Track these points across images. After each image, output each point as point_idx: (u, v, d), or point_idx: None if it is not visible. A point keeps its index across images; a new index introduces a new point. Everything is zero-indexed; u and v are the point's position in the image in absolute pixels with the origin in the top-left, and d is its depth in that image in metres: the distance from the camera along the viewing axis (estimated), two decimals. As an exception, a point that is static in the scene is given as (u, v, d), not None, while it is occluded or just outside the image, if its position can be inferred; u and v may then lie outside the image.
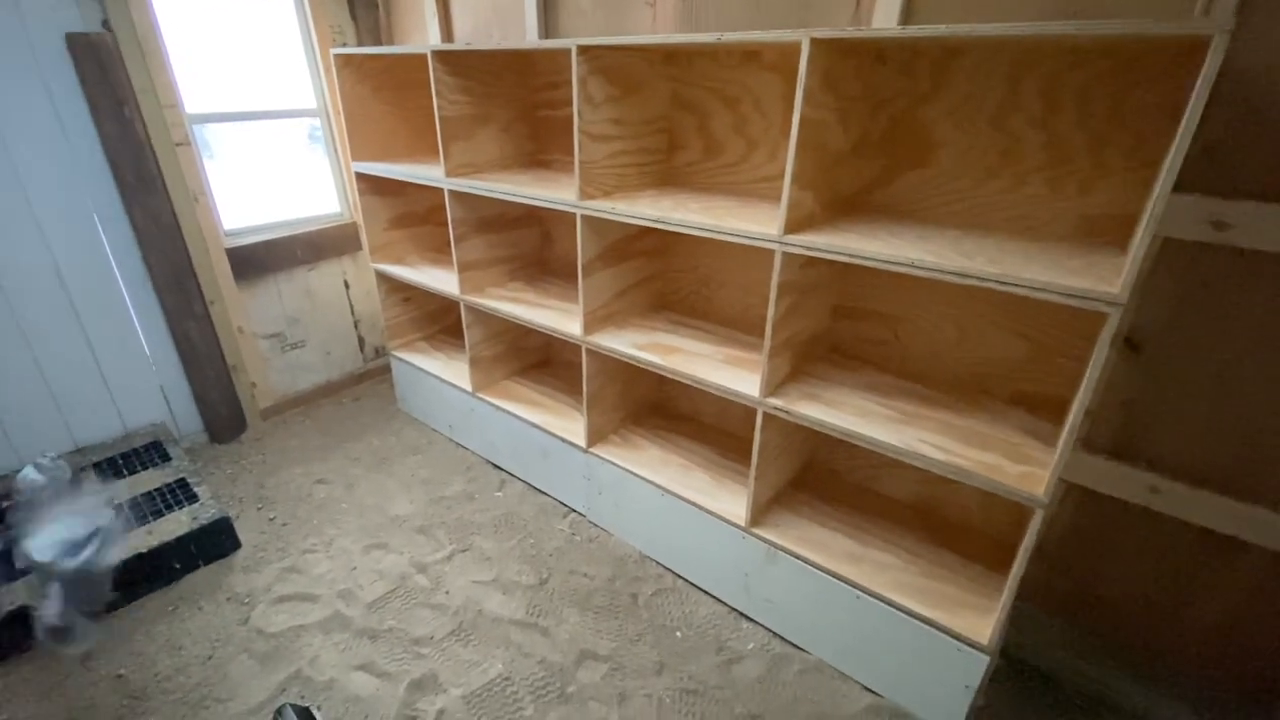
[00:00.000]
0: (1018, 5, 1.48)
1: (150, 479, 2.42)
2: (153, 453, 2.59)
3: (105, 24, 2.34)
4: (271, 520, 2.47)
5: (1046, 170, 1.53)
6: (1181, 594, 1.68)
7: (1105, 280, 1.21)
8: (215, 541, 2.24)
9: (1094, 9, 1.40)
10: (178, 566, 2.15)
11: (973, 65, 1.55)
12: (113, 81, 2.35)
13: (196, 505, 2.28)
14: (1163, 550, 1.68)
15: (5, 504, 2.23)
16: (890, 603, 1.67)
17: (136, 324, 2.66)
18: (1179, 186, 1.38)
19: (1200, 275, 1.45)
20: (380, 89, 2.77)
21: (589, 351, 2.16)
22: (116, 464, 2.51)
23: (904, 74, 1.65)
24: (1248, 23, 1.26)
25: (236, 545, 2.32)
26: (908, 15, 1.61)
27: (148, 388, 2.76)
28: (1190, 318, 1.48)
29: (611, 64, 1.85)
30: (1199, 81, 1.01)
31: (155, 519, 2.22)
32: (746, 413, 2.30)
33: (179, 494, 2.35)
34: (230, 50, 2.81)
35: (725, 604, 2.08)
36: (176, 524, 2.18)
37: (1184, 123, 1.04)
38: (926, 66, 1.62)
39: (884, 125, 1.73)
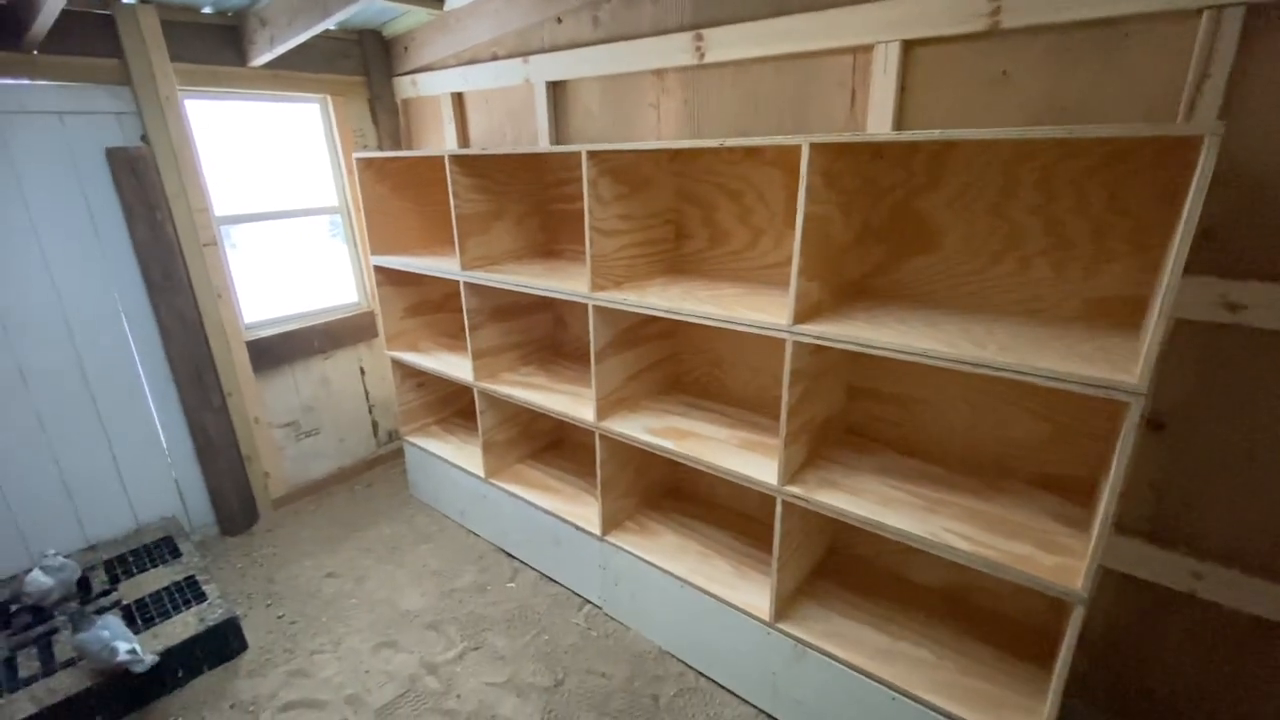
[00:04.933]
0: (1007, 99, 1.55)
1: (159, 577, 2.38)
2: (163, 549, 2.56)
3: (144, 138, 2.50)
4: (280, 618, 2.41)
5: (1050, 254, 1.56)
6: (1236, 688, 1.57)
7: (1122, 368, 1.20)
8: (222, 644, 2.17)
9: (1079, 107, 1.46)
10: (180, 675, 2.08)
11: (968, 158, 1.61)
12: (147, 189, 2.48)
13: (204, 605, 2.23)
14: (1211, 640, 1.58)
15: (13, 607, 2.19)
16: (928, 704, 1.57)
17: (156, 418, 2.70)
18: (1186, 269, 1.40)
19: (1218, 355, 1.44)
20: (399, 187, 2.91)
21: (602, 437, 2.15)
22: (126, 561, 2.48)
23: (901, 167, 1.72)
24: (1236, 117, 1.31)
25: (244, 646, 2.25)
26: (900, 113, 1.69)
27: (162, 481, 2.76)
28: (1213, 397, 1.46)
29: (619, 165, 1.93)
30: (1196, 177, 1.03)
31: (162, 620, 2.16)
32: (764, 495, 2.26)
33: (187, 593, 2.30)
34: (259, 154, 2.98)
35: (752, 705, 1.97)
36: (184, 626, 2.13)
37: (1185, 213, 1.06)
38: (923, 160, 1.68)
39: (885, 214, 1.78)
